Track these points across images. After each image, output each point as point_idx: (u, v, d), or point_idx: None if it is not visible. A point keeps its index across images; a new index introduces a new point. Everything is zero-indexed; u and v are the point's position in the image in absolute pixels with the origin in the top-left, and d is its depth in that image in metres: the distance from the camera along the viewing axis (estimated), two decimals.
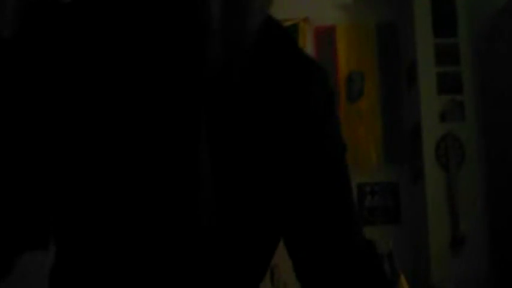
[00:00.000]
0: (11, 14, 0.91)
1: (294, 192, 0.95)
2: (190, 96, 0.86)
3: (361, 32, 4.15)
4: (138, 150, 0.86)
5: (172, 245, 0.89)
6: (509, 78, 3.50)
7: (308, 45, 4.06)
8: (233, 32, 0.86)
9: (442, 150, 3.66)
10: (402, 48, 4.07)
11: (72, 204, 0.90)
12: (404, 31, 4.02)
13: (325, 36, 4.14)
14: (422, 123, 3.71)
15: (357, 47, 4.13)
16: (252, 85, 0.89)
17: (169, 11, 0.87)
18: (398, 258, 2.84)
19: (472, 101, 3.73)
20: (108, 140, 0.85)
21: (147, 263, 0.90)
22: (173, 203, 0.88)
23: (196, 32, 0.86)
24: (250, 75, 0.90)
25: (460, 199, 3.63)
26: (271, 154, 0.92)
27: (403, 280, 2.79)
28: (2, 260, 0.87)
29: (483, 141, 3.72)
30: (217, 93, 0.88)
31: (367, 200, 4.06)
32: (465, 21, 3.82)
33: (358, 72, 4.10)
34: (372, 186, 4.09)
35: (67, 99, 0.85)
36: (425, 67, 3.77)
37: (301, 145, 0.94)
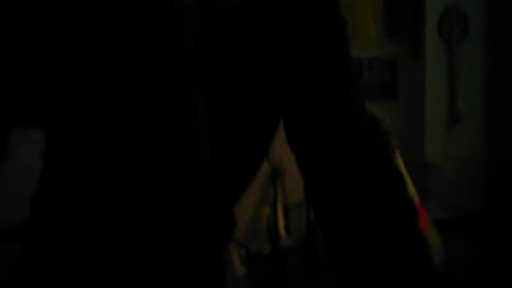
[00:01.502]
0: None
1: (293, 71, 0.90)
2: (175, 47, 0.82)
3: None
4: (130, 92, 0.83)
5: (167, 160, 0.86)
6: None
7: None
8: (210, 14, 0.77)
9: (445, 24, 3.55)
10: None
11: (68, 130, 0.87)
12: None
13: None
14: None
15: None
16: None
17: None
18: (395, 134, 2.81)
19: None
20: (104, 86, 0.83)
21: (143, 197, 0.87)
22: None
23: (169, 17, 0.80)
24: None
25: (460, 75, 3.57)
26: (272, 43, 0.86)
27: (398, 156, 2.77)
28: None
29: (488, 16, 3.59)
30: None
31: (364, 75, 3.99)
32: None
33: None
34: (370, 60, 4.01)
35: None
36: None
37: (300, 23, 0.88)
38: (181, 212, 0.89)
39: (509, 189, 3.39)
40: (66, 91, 0.84)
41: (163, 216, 0.89)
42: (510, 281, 2.44)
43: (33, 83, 0.84)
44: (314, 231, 2.55)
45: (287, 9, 0.88)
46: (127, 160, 0.86)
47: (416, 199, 2.67)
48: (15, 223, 1.39)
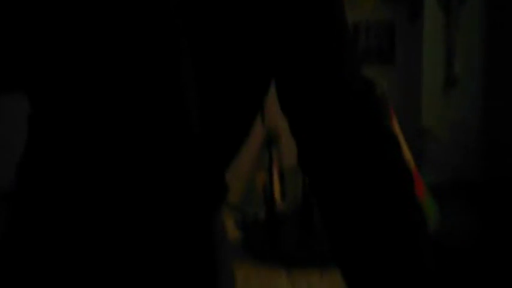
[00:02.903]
0: None
1: (285, 30, 0.87)
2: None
3: None
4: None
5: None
6: None
7: None
8: None
9: None
10: None
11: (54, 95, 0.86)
12: None
13: None
14: None
15: None
16: None
17: None
18: (391, 99, 2.80)
19: None
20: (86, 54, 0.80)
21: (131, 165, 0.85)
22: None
23: None
24: None
25: (458, 40, 3.54)
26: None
27: (394, 122, 2.76)
28: None
29: None
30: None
31: (361, 39, 3.95)
32: None
33: None
34: (366, 24, 3.96)
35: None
36: None
37: None
38: (172, 176, 0.88)
39: (506, 155, 3.39)
40: (50, 55, 0.82)
41: (152, 181, 0.88)
42: (506, 248, 2.45)
43: (18, 46, 0.82)
44: (310, 197, 2.55)
45: None
46: (114, 125, 0.84)
47: (412, 164, 2.67)
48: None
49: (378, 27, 3.91)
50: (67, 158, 0.88)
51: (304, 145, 0.95)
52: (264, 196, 2.60)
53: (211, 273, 0.96)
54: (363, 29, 3.92)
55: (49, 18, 0.78)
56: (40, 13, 0.78)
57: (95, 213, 0.88)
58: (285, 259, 2.33)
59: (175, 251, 0.92)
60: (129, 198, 0.87)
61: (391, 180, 0.90)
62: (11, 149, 1.41)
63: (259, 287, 2.15)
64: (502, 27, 3.50)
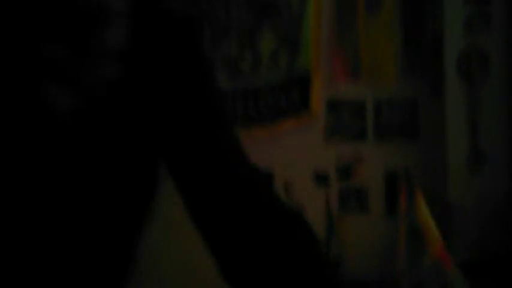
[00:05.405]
0: None
1: (167, 126, 0.95)
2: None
3: None
4: None
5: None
6: None
7: None
8: (82, 83, 0.78)
9: (465, 64, 3.52)
10: None
11: None
12: None
13: None
14: (445, 34, 3.54)
15: None
16: None
17: None
18: (416, 176, 2.77)
19: (500, 11, 3.54)
20: None
21: None
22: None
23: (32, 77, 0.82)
24: None
25: (482, 115, 3.53)
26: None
27: (420, 198, 2.72)
28: None
29: (510, 55, 3.56)
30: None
31: (384, 116, 3.96)
32: None
33: None
34: (389, 101, 3.98)
35: None
36: None
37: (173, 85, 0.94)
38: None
39: None
40: None
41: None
42: None
43: None
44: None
45: (161, 78, 0.93)
46: None
47: (440, 241, 2.61)
48: None
49: (401, 103, 3.92)
50: None
51: (202, 225, 0.97)
52: None
53: None
54: (386, 106, 3.93)
55: None
56: None
57: None
58: None
59: None
60: None
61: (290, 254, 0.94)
62: None
63: None
64: None
